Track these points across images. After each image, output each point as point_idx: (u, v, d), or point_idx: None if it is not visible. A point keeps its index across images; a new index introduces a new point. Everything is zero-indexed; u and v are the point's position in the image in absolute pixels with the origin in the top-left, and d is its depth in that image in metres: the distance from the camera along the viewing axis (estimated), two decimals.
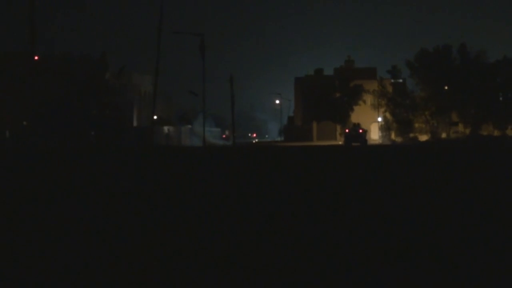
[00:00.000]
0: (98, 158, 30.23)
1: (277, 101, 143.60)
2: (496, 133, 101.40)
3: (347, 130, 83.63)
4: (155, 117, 72.78)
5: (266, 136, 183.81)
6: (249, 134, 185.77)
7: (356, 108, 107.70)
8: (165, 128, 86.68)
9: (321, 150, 45.75)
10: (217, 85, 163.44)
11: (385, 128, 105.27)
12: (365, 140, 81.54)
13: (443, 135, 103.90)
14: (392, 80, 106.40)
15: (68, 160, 28.63)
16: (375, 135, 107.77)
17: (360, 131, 80.00)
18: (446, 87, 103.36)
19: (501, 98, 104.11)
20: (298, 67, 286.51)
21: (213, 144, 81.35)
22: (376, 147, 58.16)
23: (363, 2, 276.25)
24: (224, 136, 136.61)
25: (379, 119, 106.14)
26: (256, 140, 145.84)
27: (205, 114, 64.40)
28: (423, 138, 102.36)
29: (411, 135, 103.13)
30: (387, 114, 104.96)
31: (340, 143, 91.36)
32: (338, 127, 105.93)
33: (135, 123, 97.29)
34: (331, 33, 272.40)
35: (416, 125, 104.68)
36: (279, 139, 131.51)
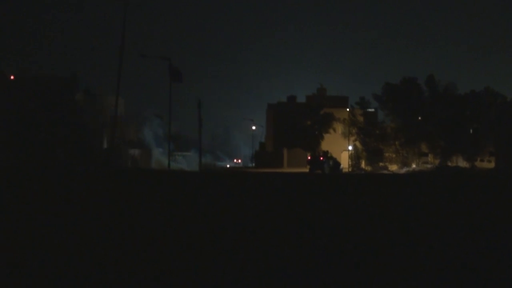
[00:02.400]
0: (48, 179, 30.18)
1: (253, 127, 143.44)
2: (465, 164, 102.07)
3: (309, 157, 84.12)
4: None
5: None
6: (235, 160, 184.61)
7: (327, 136, 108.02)
8: (131, 151, 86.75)
9: (283, 176, 45.87)
10: (193, 109, 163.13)
11: (355, 156, 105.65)
12: (336, 168, 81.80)
13: (413, 165, 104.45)
14: (362, 110, 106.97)
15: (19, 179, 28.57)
16: (345, 163, 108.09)
17: (321, 158, 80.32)
18: (419, 118, 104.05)
19: (471, 131, 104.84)
20: (273, 92, 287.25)
21: (178, 168, 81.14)
22: (337, 176, 58.39)
23: (341, 30, 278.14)
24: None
25: (350, 147, 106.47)
26: (228, 165, 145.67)
27: (169, 137, 64.54)
28: (393, 167, 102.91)
29: (381, 164, 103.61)
30: (357, 143, 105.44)
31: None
32: (309, 155, 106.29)
33: (105, 145, 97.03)
34: (307, 60, 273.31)
35: (386, 154, 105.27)
36: (251, 165, 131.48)
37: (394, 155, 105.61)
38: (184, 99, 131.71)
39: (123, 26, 47.64)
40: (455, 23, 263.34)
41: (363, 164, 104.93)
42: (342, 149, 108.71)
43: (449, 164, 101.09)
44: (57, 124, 78.30)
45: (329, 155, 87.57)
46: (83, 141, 78.28)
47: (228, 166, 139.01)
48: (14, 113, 73.93)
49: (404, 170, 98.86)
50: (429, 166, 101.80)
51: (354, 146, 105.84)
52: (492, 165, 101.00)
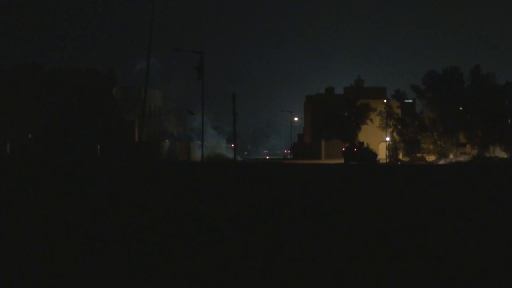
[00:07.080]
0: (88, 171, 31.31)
1: (296, 118, 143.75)
2: (503, 155, 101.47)
3: (343, 149, 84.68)
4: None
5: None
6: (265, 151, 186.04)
7: (365, 127, 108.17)
8: (167, 143, 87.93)
9: (316, 167, 46.61)
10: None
11: (392, 147, 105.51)
12: (372, 159, 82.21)
13: (451, 156, 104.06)
14: (399, 102, 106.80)
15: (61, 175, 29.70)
16: (382, 154, 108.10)
17: (355, 149, 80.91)
18: (460, 108, 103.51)
19: (509, 121, 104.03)
20: (312, 84, 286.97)
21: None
22: (368, 167, 58.83)
23: (378, 22, 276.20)
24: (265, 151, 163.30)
25: (387, 138, 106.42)
26: (267, 157, 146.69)
27: (203, 131, 65.49)
28: (430, 158, 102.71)
29: (418, 155, 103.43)
30: (395, 134, 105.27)
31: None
32: (344, 146, 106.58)
33: (143, 138, 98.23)
34: (345, 52, 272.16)
35: (424, 145, 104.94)
36: (289, 156, 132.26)
37: (431, 146, 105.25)
38: (225, 92, 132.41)
39: (151, 21, 48.84)
40: (492, 13, 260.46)
41: (400, 155, 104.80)
42: (380, 140, 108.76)
43: (487, 154, 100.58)
44: (96, 119, 79.57)
45: (364, 146, 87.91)
46: (120, 135, 79.50)
47: (267, 158, 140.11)
48: (53, 107, 75.12)
49: (442, 161, 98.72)
50: (466, 156, 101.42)
51: (392, 137, 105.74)
52: None
